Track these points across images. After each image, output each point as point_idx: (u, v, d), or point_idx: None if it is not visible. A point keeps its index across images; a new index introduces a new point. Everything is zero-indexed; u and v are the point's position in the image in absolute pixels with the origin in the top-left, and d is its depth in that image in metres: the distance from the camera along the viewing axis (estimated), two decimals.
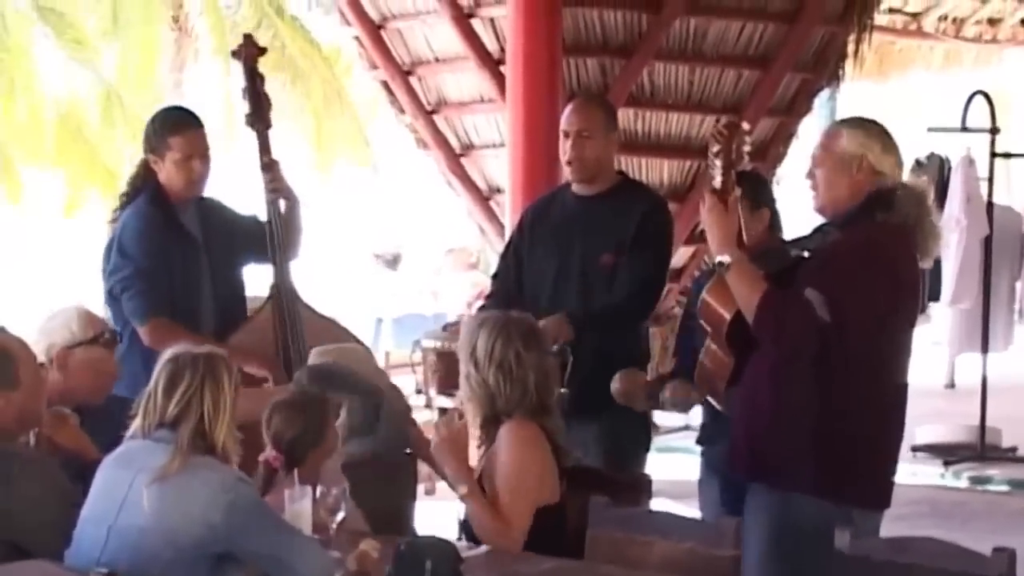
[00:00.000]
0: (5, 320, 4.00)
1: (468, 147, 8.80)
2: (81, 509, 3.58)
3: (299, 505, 3.76)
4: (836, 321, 3.92)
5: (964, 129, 9.17)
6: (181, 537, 3.39)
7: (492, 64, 8.09)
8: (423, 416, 8.63)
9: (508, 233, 5.77)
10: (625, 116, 8.21)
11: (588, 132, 5.03)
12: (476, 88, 8.44)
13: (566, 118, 5.10)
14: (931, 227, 4.13)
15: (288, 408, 4.15)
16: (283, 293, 5.17)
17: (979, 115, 9.19)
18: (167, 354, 3.62)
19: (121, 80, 15.60)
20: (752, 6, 8.21)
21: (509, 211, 7.13)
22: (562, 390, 4.40)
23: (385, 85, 8.98)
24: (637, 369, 4.80)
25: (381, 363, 7.47)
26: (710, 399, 4.54)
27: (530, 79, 7.11)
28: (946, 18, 13.06)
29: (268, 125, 5.33)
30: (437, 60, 8.62)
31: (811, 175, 4.20)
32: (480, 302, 10.39)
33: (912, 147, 10.41)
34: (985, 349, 9.32)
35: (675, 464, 8.46)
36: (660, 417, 7.41)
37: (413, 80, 8.80)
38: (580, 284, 5.02)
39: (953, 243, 9.81)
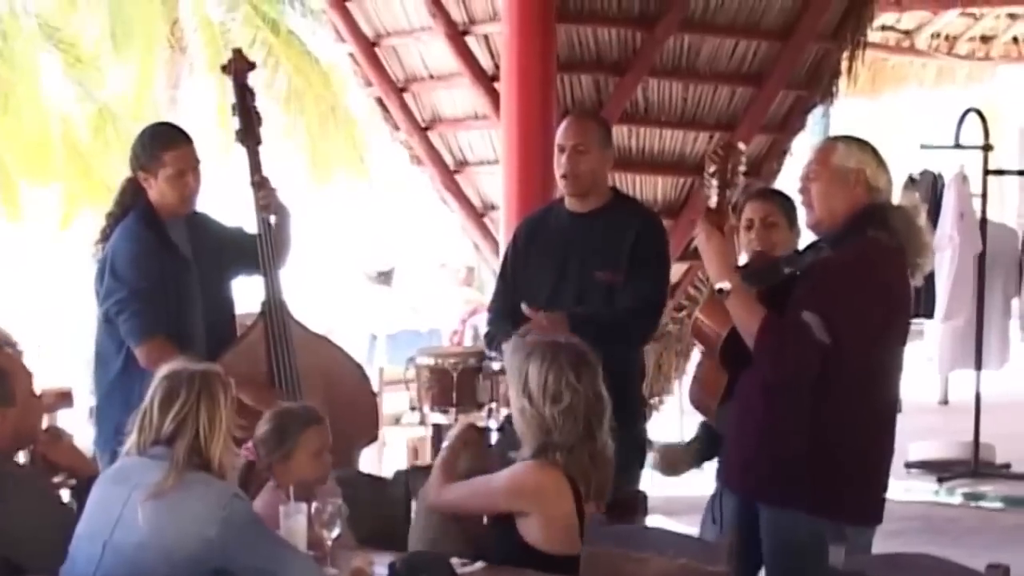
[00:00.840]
0: None
1: (462, 163, 8.80)
2: (76, 526, 3.58)
3: (294, 521, 3.77)
4: (834, 340, 3.93)
5: (957, 146, 9.20)
6: (176, 553, 3.39)
7: (486, 81, 8.10)
8: (417, 433, 8.66)
9: (503, 250, 5.77)
10: (619, 133, 8.22)
11: (584, 147, 5.04)
12: (470, 105, 8.44)
13: (562, 132, 5.11)
14: (922, 245, 4.14)
15: (273, 416, 4.19)
16: (274, 310, 5.16)
17: (972, 132, 9.21)
18: (162, 371, 3.63)
19: (118, 97, 15.64)
20: (746, 23, 8.23)
21: (503, 227, 7.13)
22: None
23: (379, 102, 8.98)
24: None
25: (375, 380, 7.47)
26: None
27: (524, 96, 7.11)
28: (939, 35, 13.11)
29: (259, 141, 5.31)
30: (431, 77, 8.62)
31: (805, 190, 4.19)
32: (474, 319, 10.40)
33: (905, 164, 10.44)
34: (978, 366, 9.34)
35: (670, 481, 8.47)
36: (655, 434, 7.41)
37: (407, 97, 8.80)
38: (575, 301, 5.02)
39: (946, 260, 9.84)
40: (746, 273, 4.18)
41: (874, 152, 4.18)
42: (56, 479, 4.02)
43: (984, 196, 9.26)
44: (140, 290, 4.89)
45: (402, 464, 8.28)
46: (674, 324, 8.28)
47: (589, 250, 5.05)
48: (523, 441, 4.08)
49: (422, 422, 8.59)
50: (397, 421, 9.01)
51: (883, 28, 12.27)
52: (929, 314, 10.32)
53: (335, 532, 3.81)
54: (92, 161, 15.39)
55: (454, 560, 3.80)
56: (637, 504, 4.41)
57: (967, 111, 9.16)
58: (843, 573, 3.58)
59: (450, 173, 8.84)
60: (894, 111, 16.47)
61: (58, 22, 15.28)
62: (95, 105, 15.45)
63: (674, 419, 8.75)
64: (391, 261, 14.87)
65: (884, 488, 4.21)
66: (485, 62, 8.14)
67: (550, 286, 5.08)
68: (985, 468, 9.05)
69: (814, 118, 9.83)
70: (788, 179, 8.35)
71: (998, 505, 8.58)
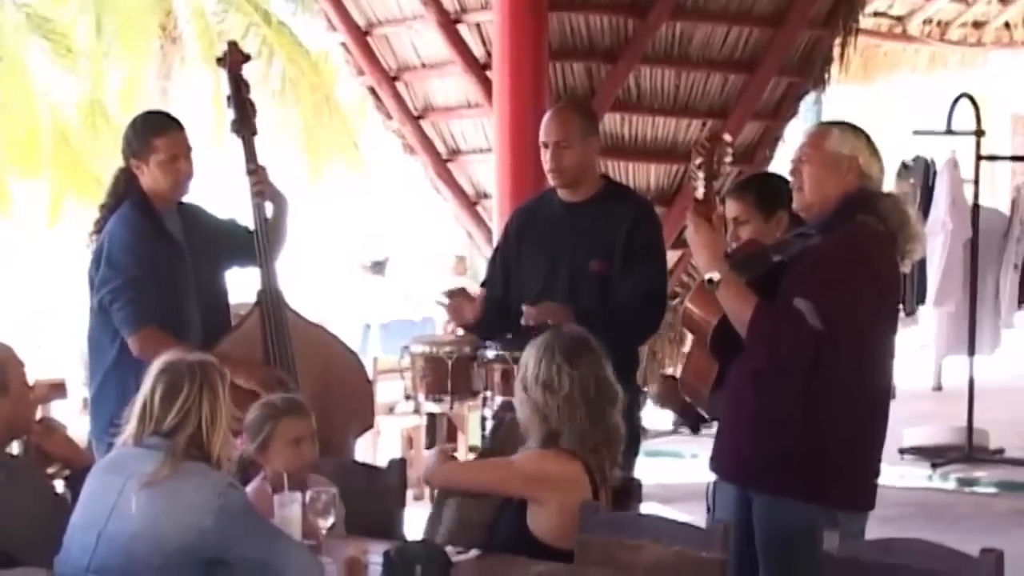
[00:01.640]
0: None
1: (455, 152, 8.81)
2: (71, 516, 3.58)
3: (289, 510, 3.77)
4: (826, 326, 3.93)
5: (949, 132, 9.20)
6: (171, 543, 3.39)
7: (478, 69, 8.10)
8: (412, 422, 8.67)
9: (496, 238, 5.78)
10: (611, 120, 8.23)
11: (566, 142, 5.03)
12: (463, 93, 8.44)
13: (544, 128, 5.09)
14: (913, 231, 4.15)
15: (256, 406, 4.22)
16: (270, 298, 5.16)
17: (964, 118, 9.22)
18: (160, 363, 3.62)
19: (108, 88, 15.61)
20: (737, 10, 8.23)
21: (496, 216, 7.14)
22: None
23: (372, 91, 8.98)
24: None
25: (369, 369, 7.47)
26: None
27: (516, 84, 7.12)
28: (931, 21, 13.12)
29: (253, 131, 5.31)
30: (424, 65, 8.63)
31: (796, 172, 4.18)
32: None
33: (897, 150, 10.45)
34: (972, 351, 9.35)
35: (664, 468, 8.51)
36: (649, 421, 7.43)
37: (400, 85, 8.81)
38: (569, 290, 5.02)
39: (938, 245, 9.86)
40: (735, 262, 4.17)
41: (868, 140, 4.18)
42: (50, 469, 4.03)
43: (976, 182, 9.27)
44: (134, 279, 4.89)
45: (396, 453, 8.29)
46: (668, 312, 8.29)
47: (582, 240, 5.04)
48: (529, 432, 4.08)
49: (416, 411, 8.59)
50: (391, 410, 9.01)
51: (875, 14, 12.29)
52: (922, 300, 10.35)
53: (330, 521, 3.82)
54: (82, 153, 15.36)
55: (449, 548, 3.81)
56: (631, 491, 4.40)
57: (959, 97, 9.16)
58: (837, 559, 3.59)
59: (443, 162, 8.85)
60: (886, 97, 16.48)
61: (47, 12, 15.23)
62: (85, 97, 15.42)
63: None
64: (384, 250, 14.88)
65: (877, 474, 4.21)
66: (477, 50, 8.14)
67: (543, 276, 5.08)
68: (979, 453, 9.07)
69: (806, 105, 9.85)
70: (780, 166, 8.37)
71: (992, 490, 8.60)
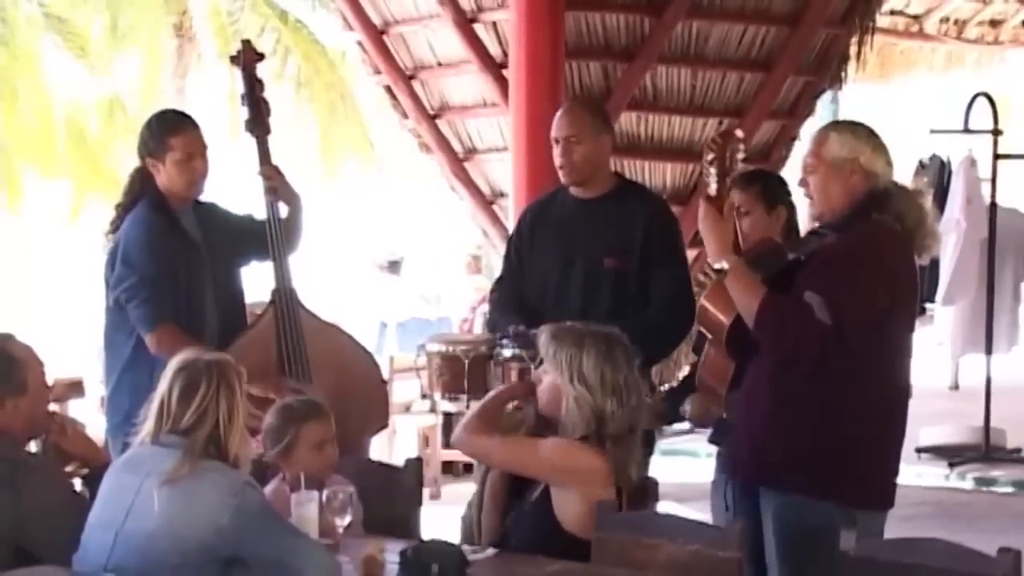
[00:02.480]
0: (12, 328, 4.02)
1: (471, 151, 8.81)
2: (88, 514, 3.60)
3: (305, 509, 3.78)
4: (836, 323, 3.93)
5: (966, 131, 9.17)
6: (188, 541, 3.40)
7: (495, 68, 8.10)
8: (428, 421, 8.68)
9: None
10: (628, 120, 8.23)
11: (576, 137, 5.03)
12: (479, 92, 8.45)
13: (555, 124, 5.09)
14: (929, 227, 4.14)
15: (275, 411, 4.23)
16: (284, 297, 5.16)
17: (981, 117, 9.19)
18: (177, 362, 3.63)
19: (125, 87, 15.64)
20: (754, 9, 8.22)
21: (512, 215, 7.13)
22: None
23: (388, 89, 8.99)
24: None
25: (385, 368, 7.48)
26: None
27: (533, 83, 7.12)
28: (948, 20, 13.07)
29: (267, 131, 5.32)
30: (440, 64, 8.63)
31: (804, 183, 4.21)
32: (483, 306, 10.41)
33: (914, 149, 10.43)
34: (989, 350, 9.33)
35: (680, 467, 8.49)
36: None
37: (416, 84, 8.81)
38: (583, 287, 5.01)
39: (951, 244, 9.83)
40: (750, 258, 4.18)
41: (869, 135, 4.17)
42: (68, 468, 4.04)
43: (994, 181, 9.24)
44: (150, 277, 4.90)
45: (412, 452, 8.29)
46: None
47: (596, 237, 5.04)
48: (566, 423, 4.06)
49: (432, 410, 8.62)
50: (407, 409, 9.02)
51: (892, 13, 12.25)
52: (931, 298, 10.32)
53: (347, 520, 3.82)
54: (98, 152, 15.39)
55: (465, 547, 3.81)
56: (647, 490, 4.40)
57: (976, 95, 9.13)
58: (854, 558, 3.59)
59: (459, 161, 8.86)
60: (903, 96, 16.42)
61: (63, 11, 15.26)
62: (101, 95, 15.46)
63: None
64: (400, 249, 14.88)
65: (895, 473, 4.21)
66: (493, 49, 8.14)
67: (558, 273, 5.07)
68: (996, 453, 9.05)
69: (823, 104, 9.83)
70: (797, 165, 8.37)
71: (1009, 490, 8.58)
